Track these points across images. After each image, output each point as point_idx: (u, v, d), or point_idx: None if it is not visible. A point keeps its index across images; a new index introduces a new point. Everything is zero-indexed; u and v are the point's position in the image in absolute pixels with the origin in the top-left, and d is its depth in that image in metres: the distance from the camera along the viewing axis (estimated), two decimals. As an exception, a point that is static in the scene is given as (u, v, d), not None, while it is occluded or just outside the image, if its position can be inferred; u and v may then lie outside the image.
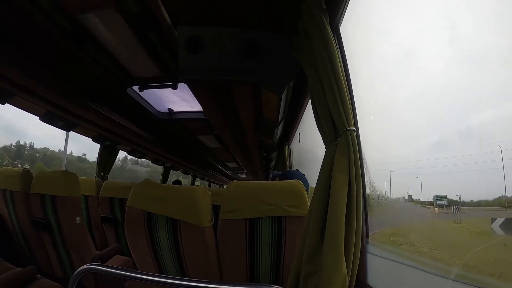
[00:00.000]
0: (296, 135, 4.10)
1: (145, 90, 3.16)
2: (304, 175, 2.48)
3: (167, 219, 1.81)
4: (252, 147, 4.92)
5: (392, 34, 1.72)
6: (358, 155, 1.22)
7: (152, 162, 7.03)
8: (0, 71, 2.28)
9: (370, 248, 1.44)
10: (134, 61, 2.61)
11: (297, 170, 2.71)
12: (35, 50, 2.24)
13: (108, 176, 5.10)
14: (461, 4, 1.40)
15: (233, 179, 2.02)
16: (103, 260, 2.91)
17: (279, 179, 2.43)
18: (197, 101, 3.02)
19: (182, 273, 1.89)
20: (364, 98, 1.52)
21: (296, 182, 1.83)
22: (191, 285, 1.17)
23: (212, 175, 11.99)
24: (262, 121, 3.26)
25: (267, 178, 8.34)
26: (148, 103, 3.64)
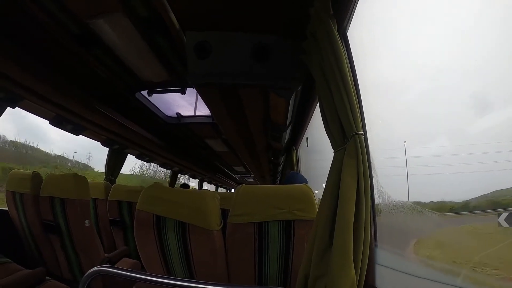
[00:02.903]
0: (304, 139, 4.09)
1: (153, 95, 3.19)
2: (297, 173, 2.49)
3: (176, 222, 1.82)
4: (260, 151, 4.93)
5: (399, 39, 1.73)
6: (366, 159, 1.22)
7: (160, 166, 7.05)
8: (10, 75, 2.31)
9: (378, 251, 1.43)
10: (143, 66, 2.64)
11: (293, 171, 2.73)
12: (45, 54, 2.27)
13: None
14: (469, 8, 1.40)
15: (240, 183, 2.04)
16: (111, 263, 2.93)
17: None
18: (205, 106, 3.04)
19: (191, 276, 1.89)
20: (372, 102, 1.52)
21: (304, 186, 1.84)
22: (200, 287, 1.18)
23: (220, 179, 11.99)
24: (270, 125, 3.27)
25: (274, 182, 8.32)
26: (157, 107, 3.67)
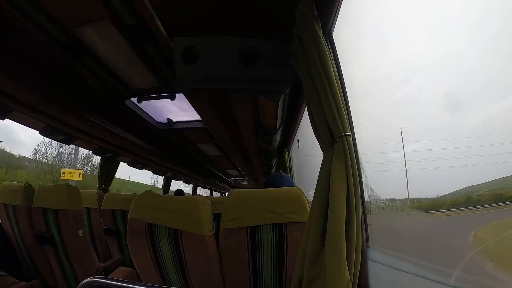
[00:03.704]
0: (295, 141, 4.11)
1: (143, 101, 3.18)
2: (282, 175, 2.49)
3: (168, 230, 1.82)
4: (252, 154, 4.93)
5: (384, 39, 1.75)
6: (355, 161, 1.22)
7: (153, 172, 7.03)
8: None
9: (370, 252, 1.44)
10: (131, 73, 2.63)
11: (276, 172, 2.72)
12: (34, 65, 2.26)
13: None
14: (453, 6, 1.42)
15: (234, 187, 2.02)
16: (106, 272, 2.92)
17: (265, 186, 2.42)
18: (195, 111, 3.04)
19: (185, 283, 1.89)
20: (359, 103, 1.53)
21: (295, 189, 1.84)
22: None
23: (214, 183, 11.98)
24: (261, 127, 3.27)
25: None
26: (147, 114, 3.66)
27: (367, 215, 1.46)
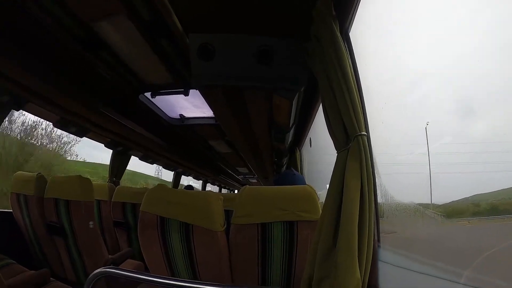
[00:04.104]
0: (307, 140, 4.09)
1: (157, 97, 3.20)
2: (294, 173, 2.48)
3: (180, 224, 1.83)
4: (263, 152, 4.93)
5: (401, 39, 1.73)
6: (369, 160, 1.22)
7: (163, 167, 7.07)
8: (14, 78, 2.33)
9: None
10: (146, 68, 2.65)
11: (288, 170, 2.71)
12: (49, 57, 2.28)
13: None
14: (471, 8, 1.40)
15: (243, 185, 2.04)
16: (115, 264, 2.93)
17: (276, 184, 2.42)
18: (208, 107, 3.04)
19: (195, 278, 1.90)
20: (375, 102, 1.52)
21: (307, 187, 1.84)
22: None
23: (223, 180, 12.00)
24: (274, 126, 3.27)
25: (277, 184, 8.29)
26: (160, 109, 3.68)
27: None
